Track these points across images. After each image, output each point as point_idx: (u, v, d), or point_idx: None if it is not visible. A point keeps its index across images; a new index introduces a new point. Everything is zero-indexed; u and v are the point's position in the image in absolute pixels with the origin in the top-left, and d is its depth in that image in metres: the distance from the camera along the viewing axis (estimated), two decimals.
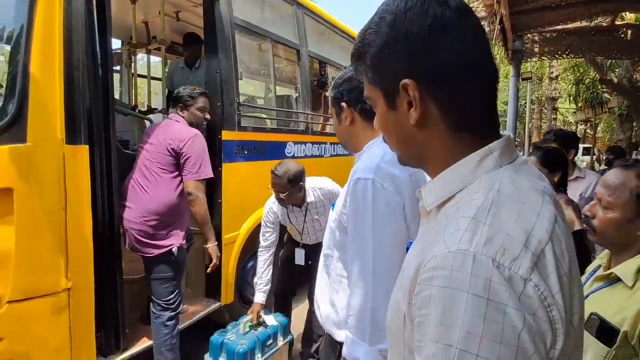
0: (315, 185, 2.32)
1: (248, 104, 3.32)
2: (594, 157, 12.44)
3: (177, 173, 2.15)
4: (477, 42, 0.54)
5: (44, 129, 1.59)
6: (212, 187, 2.62)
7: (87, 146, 1.74)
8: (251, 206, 2.80)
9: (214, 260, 2.30)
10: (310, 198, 2.28)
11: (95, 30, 1.78)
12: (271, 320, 2.32)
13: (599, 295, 0.99)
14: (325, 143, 3.76)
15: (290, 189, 2.14)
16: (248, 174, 2.76)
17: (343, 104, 1.13)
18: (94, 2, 1.77)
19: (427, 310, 0.45)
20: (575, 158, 2.99)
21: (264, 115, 3.39)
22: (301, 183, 2.19)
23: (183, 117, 2.31)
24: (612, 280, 0.98)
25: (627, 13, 4.29)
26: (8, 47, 1.60)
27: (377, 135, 1.11)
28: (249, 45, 3.28)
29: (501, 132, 0.58)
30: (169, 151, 2.11)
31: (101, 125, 1.83)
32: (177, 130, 2.18)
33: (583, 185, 2.41)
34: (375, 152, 1.04)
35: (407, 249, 0.86)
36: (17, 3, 1.58)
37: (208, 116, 2.40)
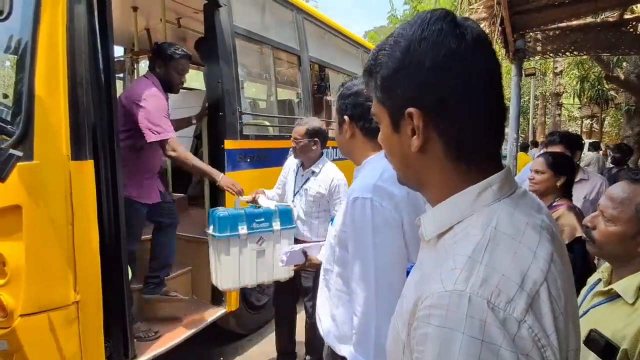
0: (329, 167, 2.38)
1: (250, 112, 3.33)
2: (601, 152, 12.27)
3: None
4: (488, 75, 0.54)
5: (50, 147, 1.62)
6: (216, 195, 2.65)
7: (92, 161, 1.77)
8: None
9: (234, 193, 2.25)
10: (317, 169, 2.34)
11: (98, 47, 1.80)
12: (269, 204, 2.30)
13: (599, 311, 0.99)
14: (327, 148, 3.77)
15: (305, 140, 2.25)
16: (251, 181, 2.77)
17: (346, 117, 1.13)
18: (96, 19, 1.79)
19: (424, 348, 0.47)
20: (582, 155, 2.98)
21: (267, 123, 3.40)
22: (316, 139, 2.28)
23: (158, 73, 2.34)
24: (612, 296, 0.98)
25: (638, 6, 4.09)
26: (13, 68, 1.63)
27: (376, 151, 1.12)
28: (250, 52, 3.29)
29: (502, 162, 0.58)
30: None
31: (105, 140, 1.85)
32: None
33: (587, 187, 2.40)
34: (374, 170, 1.05)
35: (408, 272, 0.87)
36: (21, 23, 1.60)
37: (184, 80, 2.47)
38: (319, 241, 2.15)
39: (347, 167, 4.28)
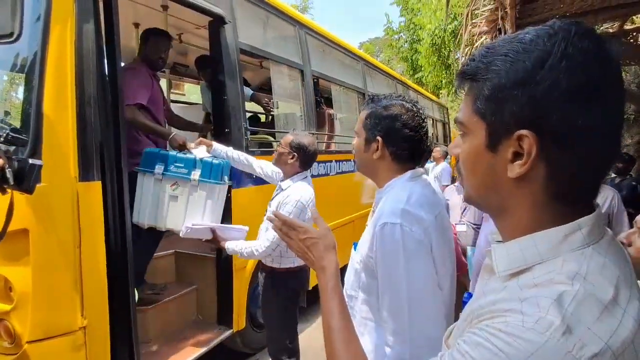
0: (295, 187, 2.14)
1: (255, 127, 3.32)
2: None
3: None
4: (620, 114, 0.49)
5: (58, 169, 1.59)
6: (223, 213, 2.60)
7: (100, 182, 1.74)
8: None
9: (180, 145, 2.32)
10: (285, 186, 2.16)
11: (106, 67, 1.79)
12: (200, 153, 2.22)
13: None
14: (331, 161, 3.76)
15: (286, 149, 2.13)
16: (257, 198, 2.74)
17: (379, 138, 1.08)
18: (104, 39, 1.78)
19: (470, 350, 0.45)
20: None
21: (271, 138, 3.39)
22: (295, 154, 2.12)
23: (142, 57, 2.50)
24: None
25: (638, 16, 4.09)
26: (22, 89, 1.60)
27: (399, 174, 1.10)
28: (254, 68, 3.29)
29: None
30: None
31: (113, 160, 1.82)
32: None
33: (598, 200, 2.38)
34: (400, 194, 1.02)
35: (464, 302, 0.83)
36: (30, 43, 1.58)
37: (163, 55, 2.52)
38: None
39: (349, 183, 4.22)
